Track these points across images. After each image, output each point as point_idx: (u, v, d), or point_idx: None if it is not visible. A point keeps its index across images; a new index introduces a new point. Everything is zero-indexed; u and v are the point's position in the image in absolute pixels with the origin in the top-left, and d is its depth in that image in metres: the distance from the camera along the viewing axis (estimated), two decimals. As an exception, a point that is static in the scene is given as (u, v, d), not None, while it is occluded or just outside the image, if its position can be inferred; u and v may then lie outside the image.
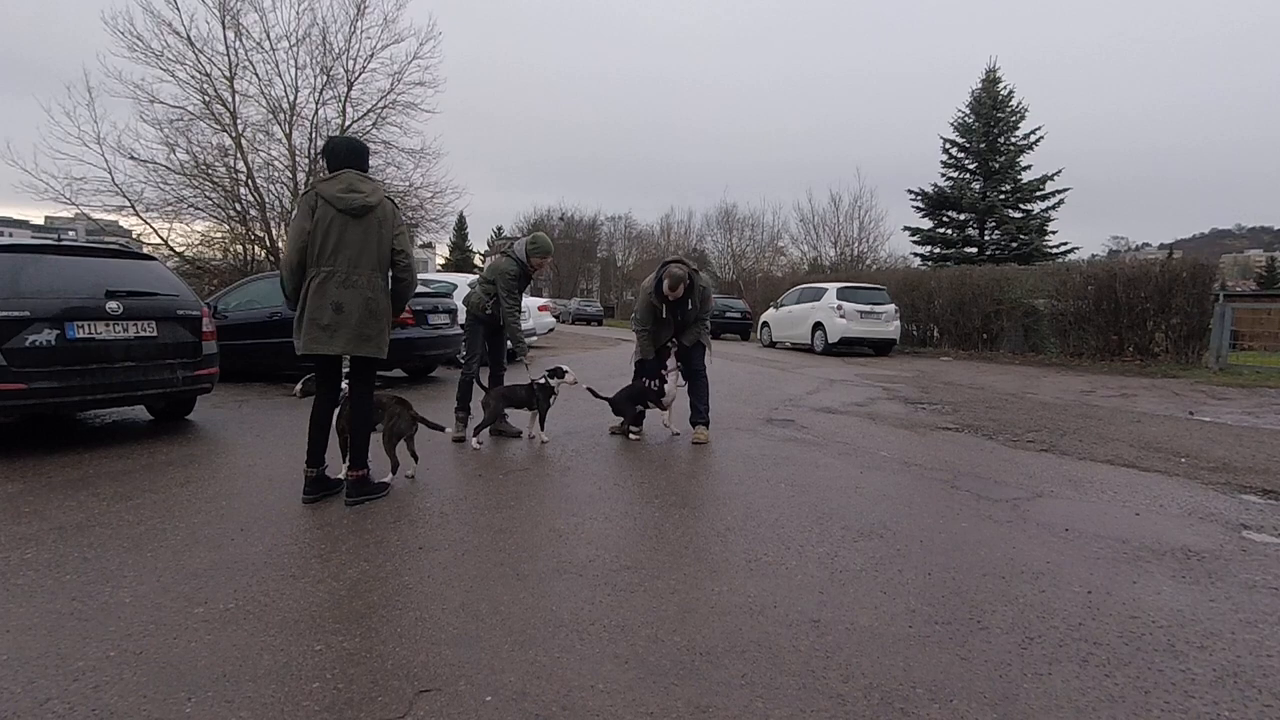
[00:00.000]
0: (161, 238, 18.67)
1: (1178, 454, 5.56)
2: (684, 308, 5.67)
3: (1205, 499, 4.25)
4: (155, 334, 5.29)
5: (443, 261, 64.16)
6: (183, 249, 19.08)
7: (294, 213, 3.75)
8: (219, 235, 19.86)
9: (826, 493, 4.19)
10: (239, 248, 20.01)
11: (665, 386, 5.84)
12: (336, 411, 4.03)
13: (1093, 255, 27.58)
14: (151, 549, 3.09)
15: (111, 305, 5.04)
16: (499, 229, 72.59)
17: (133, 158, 17.17)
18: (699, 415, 5.77)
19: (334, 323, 3.68)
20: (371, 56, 19.41)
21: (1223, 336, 13.23)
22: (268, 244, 19.63)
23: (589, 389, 6.08)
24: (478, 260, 70.01)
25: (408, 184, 20.50)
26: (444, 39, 20.69)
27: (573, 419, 6.50)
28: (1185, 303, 13.72)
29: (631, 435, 5.77)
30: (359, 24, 19.00)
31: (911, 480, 4.57)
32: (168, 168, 17.64)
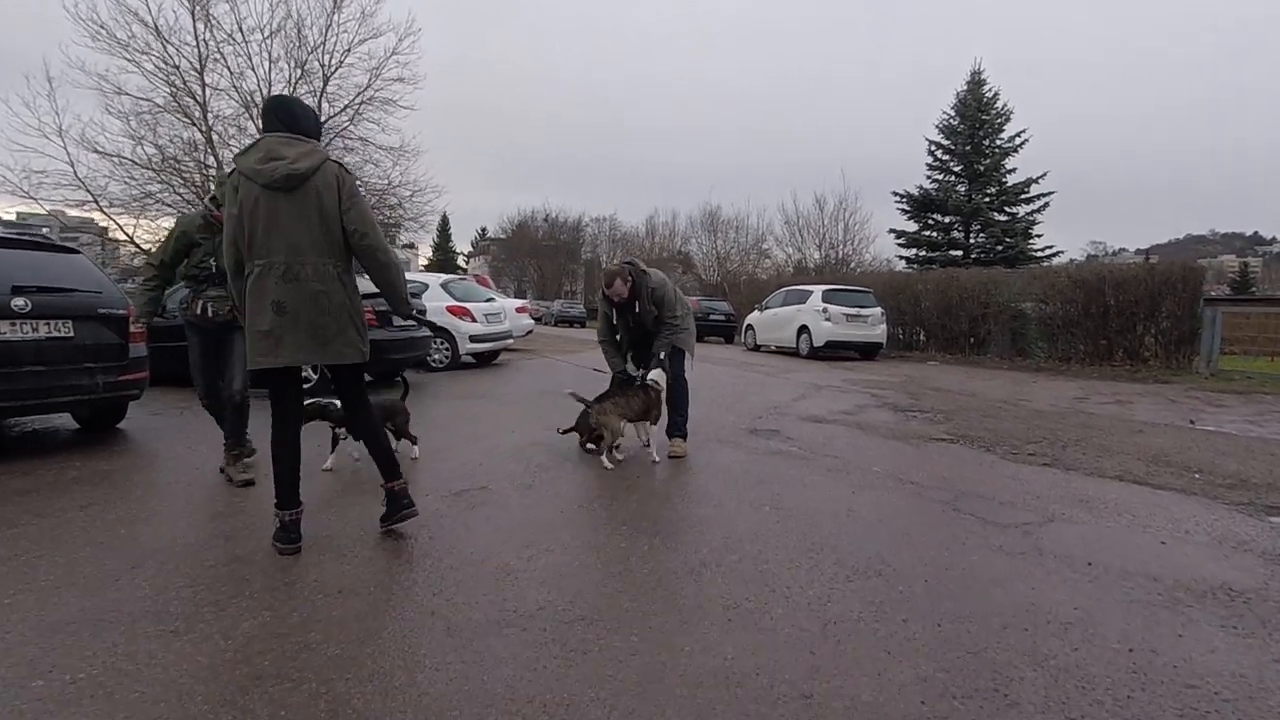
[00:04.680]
0: (127, 234, 18.03)
1: (1189, 468, 5.18)
2: (632, 311, 5.24)
3: (1231, 523, 3.85)
4: (71, 334, 4.75)
5: (426, 262, 63.33)
6: (150, 245, 18.40)
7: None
8: (189, 232, 19.13)
9: (815, 518, 3.74)
10: (210, 245, 19.32)
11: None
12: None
13: (1071, 259, 27.33)
14: (12, 592, 2.57)
15: (18, 302, 4.49)
16: (483, 229, 71.91)
17: (97, 151, 16.51)
18: (676, 427, 5.31)
19: (276, 327, 2.94)
20: (348, 51, 18.84)
21: (1214, 341, 13.01)
22: (239, 241, 18.99)
23: (560, 430, 5.58)
24: (461, 261, 69.20)
25: (386, 182, 19.87)
26: (424, 34, 20.15)
27: (541, 429, 6.02)
28: (1175, 307, 13.47)
29: (588, 448, 5.28)
30: (335, 17, 18.43)
31: (908, 501, 4.14)
32: (134, 161, 16.99)
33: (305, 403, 3.94)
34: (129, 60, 16.37)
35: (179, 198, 18.06)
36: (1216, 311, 13.12)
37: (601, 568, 2.96)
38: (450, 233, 67.39)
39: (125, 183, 16.92)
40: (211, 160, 18.10)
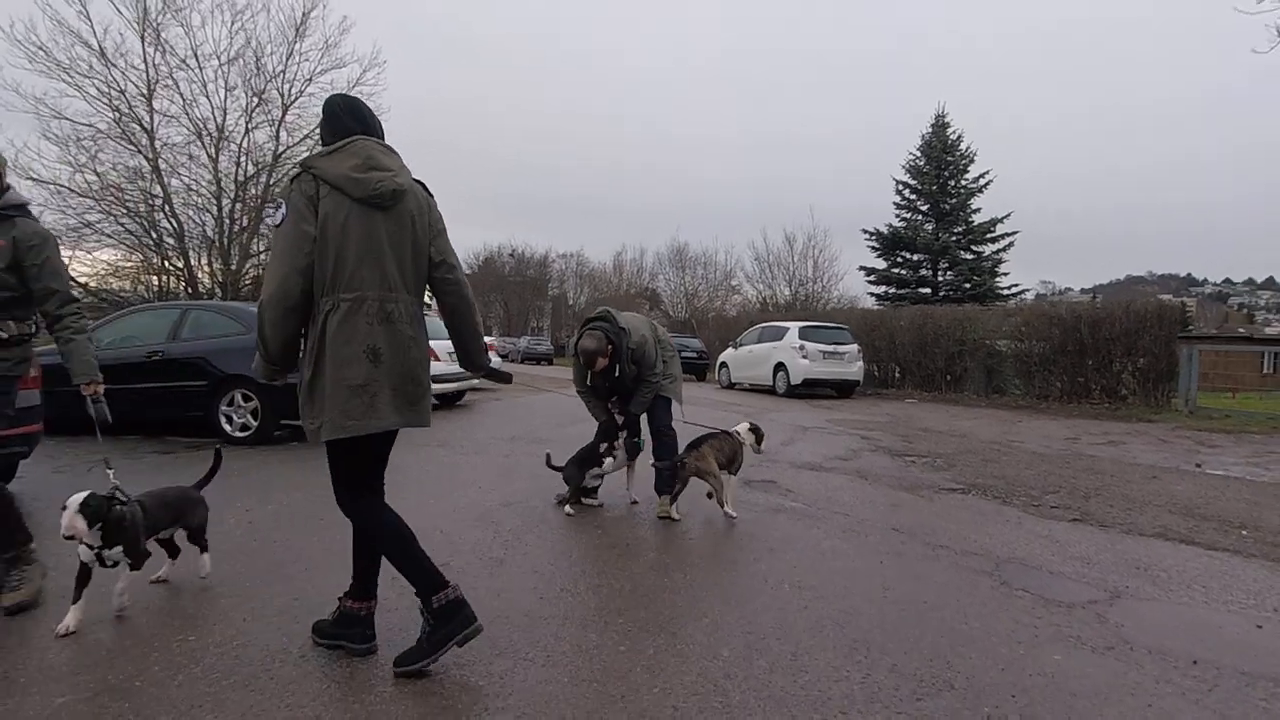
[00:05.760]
0: (59, 267, 16.87)
1: (1230, 523, 4.72)
2: (612, 374, 4.63)
3: (1318, 596, 3.33)
4: (-60, 381, 3.93)
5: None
6: (87, 279, 17.31)
7: (277, 213, 2.31)
8: (130, 265, 18.09)
9: (849, 600, 3.11)
10: (153, 279, 18.26)
11: (606, 461, 4.76)
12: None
13: (1024, 298, 27.60)
14: None
15: None
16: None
17: (31, 178, 15.51)
18: (664, 483, 4.67)
19: (371, 380, 2.27)
20: (310, 80, 18.29)
21: (1191, 379, 12.90)
22: (185, 275, 17.97)
23: (548, 463, 4.96)
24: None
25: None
26: (389, 68, 19.68)
27: (514, 484, 5.33)
28: (1153, 344, 13.37)
29: (568, 511, 4.61)
30: (297, 46, 17.89)
31: (947, 573, 3.55)
32: (71, 189, 15.97)
33: (85, 497, 2.59)
34: (70, 84, 15.52)
35: (120, 228, 17.08)
36: (1193, 350, 13.05)
37: (597, 687, 2.28)
38: (414, 268, 66.19)
39: (61, 211, 15.91)
40: (158, 189, 17.18)
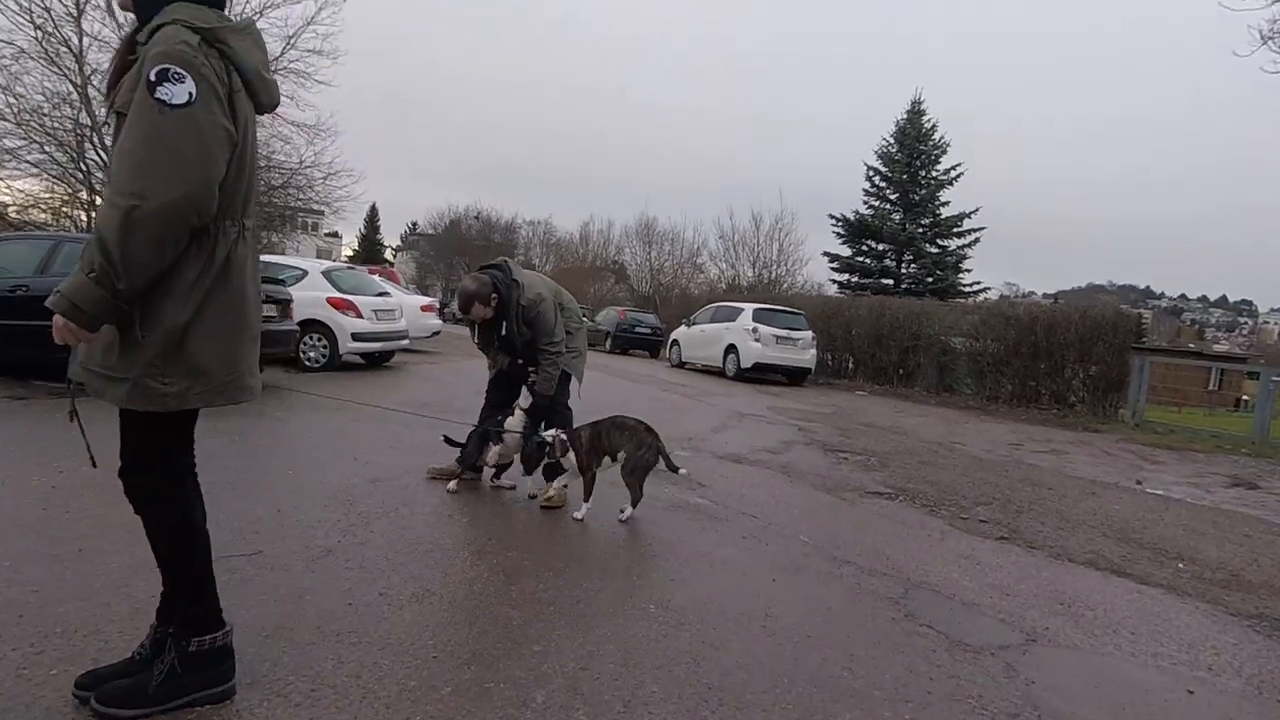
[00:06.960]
0: (-23, 196, 15.68)
1: (1166, 553, 4.35)
2: (496, 331, 4.07)
3: (1254, 650, 2.94)
4: None
5: (351, 252, 60.29)
6: (6, 208, 16.11)
7: (173, 87, 1.51)
8: (53, 198, 16.87)
9: (719, 629, 2.60)
10: (80, 214, 17.04)
11: (492, 450, 4.16)
12: None
13: (985, 297, 27.46)
14: None
15: None
16: (413, 224, 69.18)
17: (-56, 99, 14.19)
18: (548, 467, 4.13)
19: (257, 329, 1.87)
20: (260, 14, 16.90)
21: (1141, 391, 12.77)
22: (116, 212, 16.75)
23: (446, 440, 4.32)
24: (389, 254, 66.05)
25: (299, 161, 17.83)
26: (348, 7, 18.31)
27: (398, 457, 4.75)
28: (1106, 352, 13.19)
29: (450, 487, 4.10)
30: (249, -23, 16.54)
31: (845, 598, 3.07)
32: (-14, 111, 14.67)
33: None
34: (-16, -4, 14.13)
35: (46, 156, 15.80)
36: (1145, 361, 12.91)
37: (346, 748, 1.74)
38: (379, 224, 64.33)
39: (-24, 135, 14.61)
40: (85, 118, 15.87)
